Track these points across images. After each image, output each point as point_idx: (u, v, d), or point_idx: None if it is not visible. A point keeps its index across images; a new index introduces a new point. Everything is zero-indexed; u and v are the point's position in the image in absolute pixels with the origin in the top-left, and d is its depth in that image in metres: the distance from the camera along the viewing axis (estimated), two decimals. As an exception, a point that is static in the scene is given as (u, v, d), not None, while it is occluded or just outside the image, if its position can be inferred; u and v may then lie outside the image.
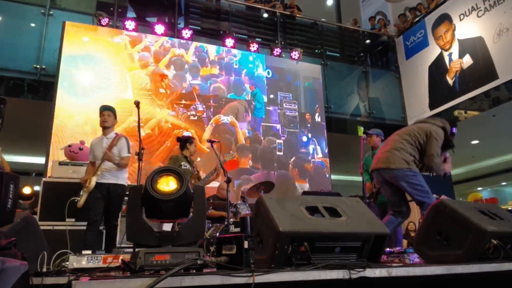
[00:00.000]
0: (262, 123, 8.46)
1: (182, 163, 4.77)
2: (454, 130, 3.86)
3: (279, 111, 8.65)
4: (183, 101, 7.77)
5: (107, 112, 4.44)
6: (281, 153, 8.37)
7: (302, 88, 8.98)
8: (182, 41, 7.99)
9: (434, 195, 7.84)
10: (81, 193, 4.27)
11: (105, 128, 4.43)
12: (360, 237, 2.02)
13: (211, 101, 8.04)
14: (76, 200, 4.30)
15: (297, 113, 8.74)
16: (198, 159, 7.14)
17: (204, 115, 7.89)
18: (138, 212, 1.78)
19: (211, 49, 8.34)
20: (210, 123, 7.88)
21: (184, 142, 5.02)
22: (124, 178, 4.41)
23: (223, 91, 8.20)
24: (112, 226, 4.30)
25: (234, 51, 8.51)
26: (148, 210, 1.84)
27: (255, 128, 8.32)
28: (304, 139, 8.61)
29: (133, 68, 7.37)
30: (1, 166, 4.79)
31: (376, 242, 2.06)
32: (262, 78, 8.70)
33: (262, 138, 8.32)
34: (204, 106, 7.91)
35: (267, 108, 8.55)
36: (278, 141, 8.44)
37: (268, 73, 8.79)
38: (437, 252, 2.44)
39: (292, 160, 8.36)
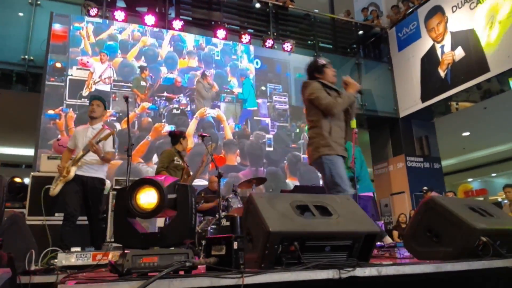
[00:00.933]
0: (253, 116, 8.16)
1: (175, 158, 4.73)
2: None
3: (268, 104, 8.33)
4: (165, 93, 7.50)
5: (96, 102, 4.35)
6: (271, 149, 8.04)
7: (292, 79, 8.74)
8: (155, 29, 7.70)
9: (424, 188, 7.97)
10: (55, 180, 4.13)
11: (93, 118, 4.33)
12: (350, 236, 2.01)
13: (195, 93, 7.75)
14: (51, 188, 4.14)
15: (287, 106, 8.48)
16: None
17: (188, 109, 7.60)
18: (123, 214, 1.75)
19: (189, 39, 8.00)
20: (194, 116, 7.58)
21: (177, 137, 4.95)
22: (103, 172, 4.31)
23: (202, 85, 7.88)
24: (95, 220, 4.21)
25: (215, 40, 8.22)
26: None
27: (244, 122, 7.96)
28: (298, 132, 8.38)
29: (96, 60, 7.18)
30: None
31: (367, 241, 2.05)
32: (248, 69, 8.37)
33: (250, 132, 7.99)
34: (188, 99, 7.62)
35: (256, 101, 8.24)
36: (267, 136, 8.11)
37: (257, 63, 8.49)
38: (427, 248, 2.45)
39: (282, 155, 8.08)
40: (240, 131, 7.92)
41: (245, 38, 8.30)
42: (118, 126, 6.91)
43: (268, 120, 8.26)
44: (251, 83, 8.34)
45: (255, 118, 8.14)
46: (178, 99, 7.55)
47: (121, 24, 7.49)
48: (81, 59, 7.01)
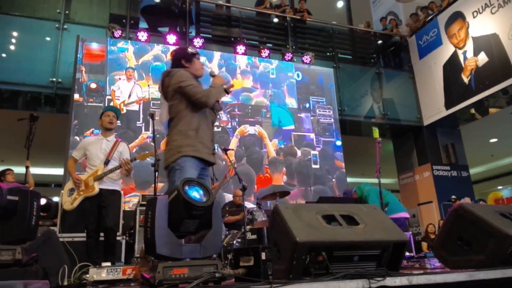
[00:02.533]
0: (293, 133, 7.62)
1: None
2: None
3: (312, 118, 7.80)
4: None
5: (112, 113, 4.31)
6: (317, 166, 7.46)
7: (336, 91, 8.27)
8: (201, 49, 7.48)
9: (453, 197, 7.77)
10: (69, 193, 4.06)
11: (109, 130, 4.29)
12: (378, 245, 1.99)
13: (236, 109, 7.31)
14: (67, 202, 4.04)
15: (332, 120, 7.98)
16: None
17: (229, 126, 7.18)
18: (164, 223, 1.77)
19: (241, 58, 7.62)
20: (235, 134, 7.14)
21: None
22: (120, 184, 4.27)
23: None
24: (111, 234, 4.04)
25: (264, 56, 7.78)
26: (172, 222, 1.82)
27: (289, 138, 7.40)
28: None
29: (144, 84, 7.13)
30: (26, 181, 4.87)
31: (395, 250, 2.03)
32: (289, 81, 7.83)
33: (297, 149, 7.44)
34: (228, 116, 7.19)
35: (298, 115, 7.70)
36: (313, 152, 7.53)
37: (298, 75, 8.04)
38: (458, 257, 2.40)
39: (329, 173, 7.49)
40: (285, 148, 7.44)
41: (264, 52, 8.38)
42: (156, 147, 6.77)
43: (312, 136, 7.75)
44: (275, 105, 7.85)
45: (298, 133, 7.62)
46: (219, 116, 7.43)
47: (163, 45, 7.45)
48: (119, 78, 7.00)
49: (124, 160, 4.01)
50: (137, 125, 6.94)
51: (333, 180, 7.66)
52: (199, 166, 2.71)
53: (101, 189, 4.03)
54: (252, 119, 7.47)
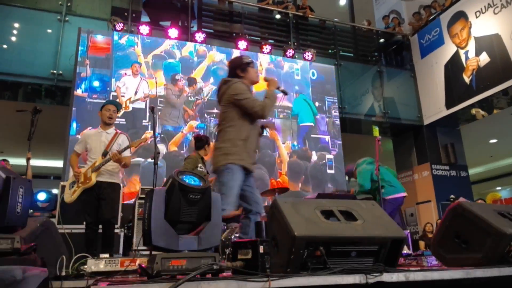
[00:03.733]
0: (312, 135, 7.15)
1: (199, 164, 4.74)
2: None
3: (327, 119, 7.37)
4: (215, 110, 6.66)
5: (113, 108, 4.31)
6: (332, 171, 6.99)
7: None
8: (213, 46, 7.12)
9: (452, 196, 7.81)
10: (70, 186, 4.08)
11: (109, 124, 4.30)
12: (376, 241, 2.00)
13: None
14: (67, 195, 4.07)
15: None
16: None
17: None
18: (161, 215, 1.77)
19: (263, 58, 7.16)
20: None
21: (204, 142, 4.91)
22: (119, 177, 4.30)
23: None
24: (110, 226, 4.07)
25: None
26: (170, 211, 1.82)
27: (303, 140, 6.90)
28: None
29: (151, 84, 6.86)
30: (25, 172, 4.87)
31: (393, 246, 2.04)
32: (305, 81, 7.40)
33: (312, 152, 6.93)
34: None
35: (315, 116, 7.25)
36: (328, 156, 7.09)
37: (313, 74, 7.65)
38: (455, 255, 2.41)
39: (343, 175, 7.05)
40: (299, 151, 6.98)
41: (266, 48, 8.36)
42: (163, 148, 6.44)
43: (328, 138, 7.30)
44: (304, 97, 7.51)
45: (312, 135, 7.17)
46: None
47: (175, 41, 7.18)
48: (125, 73, 6.74)
49: (113, 153, 4.02)
50: (143, 123, 6.68)
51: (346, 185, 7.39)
52: (242, 173, 2.94)
53: (100, 182, 4.05)
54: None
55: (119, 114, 6.28)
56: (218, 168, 2.93)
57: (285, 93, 3.30)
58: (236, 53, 7.55)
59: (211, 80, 7.22)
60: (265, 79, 3.21)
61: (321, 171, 6.98)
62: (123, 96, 6.75)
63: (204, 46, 7.42)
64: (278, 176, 6.87)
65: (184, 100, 6.91)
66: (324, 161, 7.08)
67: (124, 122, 6.60)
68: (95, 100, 6.58)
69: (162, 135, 6.60)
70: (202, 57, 7.31)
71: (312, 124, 7.30)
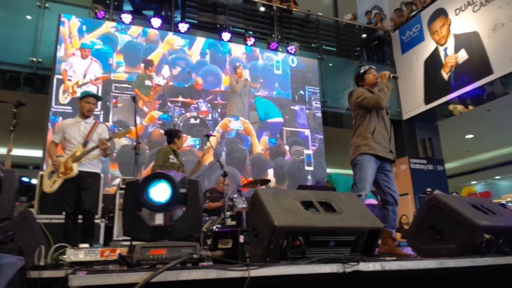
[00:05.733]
0: (285, 128, 6.52)
1: (170, 156, 4.79)
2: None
3: (307, 111, 6.83)
4: (180, 98, 5.99)
5: (93, 100, 4.25)
6: (311, 168, 6.45)
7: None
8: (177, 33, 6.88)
9: (428, 189, 7.98)
10: (49, 176, 4.04)
11: (88, 117, 4.24)
12: (354, 232, 2.05)
13: (219, 98, 6.19)
14: (47, 185, 4.01)
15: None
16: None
17: (209, 118, 6.03)
18: (133, 208, 1.80)
19: (235, 47, 6.67)
20: (216, 129, 5.99)
21: (172, 136, 4.97)
22: (100, 167, 4.24)
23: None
24: (90, 216, 4.02)
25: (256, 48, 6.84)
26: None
27: (279, 134, 6.29)
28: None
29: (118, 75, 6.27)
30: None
31: (370, 237, 2.09)
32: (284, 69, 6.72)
33: (285, 147, 6.30)
34: (209, 105, 6.08)
35: (291, 107, 6.67)
36: (306, 151, 6.50)
37: (292, 61, 7.14)
38: (430, 245, 2.48)
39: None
40: (273, 147, 6.31)
41: (250, 40, 8.34)
42: (116, 143, 5.76)
43: (307, 132, 6.72)
44: (260, 98, 6.90)
45: (291, 129, 6.51)
46: (197, 105, 5.99)
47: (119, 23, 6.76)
48: (73, 54, 6.22)
49: (101, 140, 3.99)
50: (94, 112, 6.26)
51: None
52: (376, 162, 3.39)
53: (80, 171, 4.00)
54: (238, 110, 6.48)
55: (66, 101, 6.01)
56: (353, 160, 3.44)
57: (395, 77, 3.80)
58: (199, 41, 6.90)
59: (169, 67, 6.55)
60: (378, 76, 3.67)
61: (298, 169, 6.53)
62: (70, 80, 6.15)
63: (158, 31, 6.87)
64: (248, 173, 6.46)
65: (138, 84, 5.96)
66: (302, 157, 6.59)
67: (71, 110, 5.89)
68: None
69: (119, 128, 5.91)
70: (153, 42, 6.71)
71: (280, 119, 6.80)
